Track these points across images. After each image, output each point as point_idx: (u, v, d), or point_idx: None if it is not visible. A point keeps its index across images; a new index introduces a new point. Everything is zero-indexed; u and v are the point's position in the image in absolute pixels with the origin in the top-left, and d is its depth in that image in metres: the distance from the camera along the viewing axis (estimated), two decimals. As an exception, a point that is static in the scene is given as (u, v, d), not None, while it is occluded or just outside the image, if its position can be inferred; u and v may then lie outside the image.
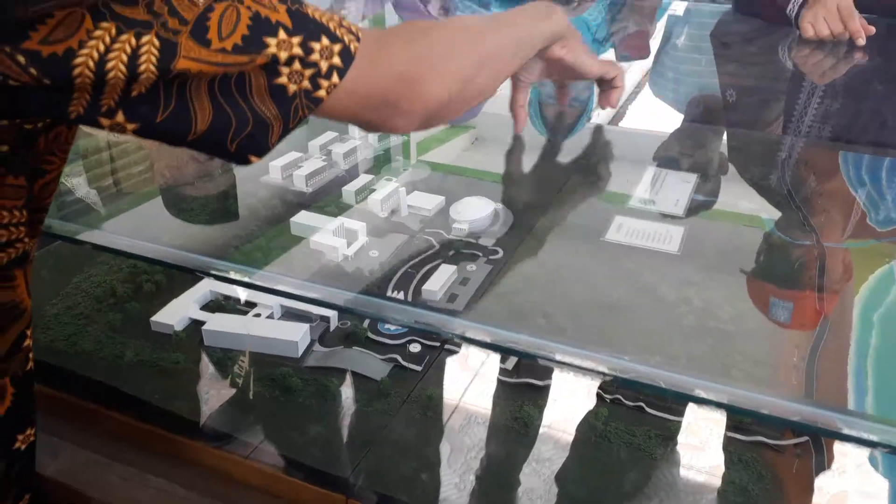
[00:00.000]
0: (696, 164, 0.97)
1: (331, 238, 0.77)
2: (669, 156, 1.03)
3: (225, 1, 0.42)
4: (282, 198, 0.87)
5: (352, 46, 0.47)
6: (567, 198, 0.92)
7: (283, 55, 0.43)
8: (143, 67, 0.39)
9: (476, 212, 0.82)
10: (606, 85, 0.76)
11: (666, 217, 0.82)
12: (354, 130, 1.03)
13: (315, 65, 0.45)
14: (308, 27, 0.45)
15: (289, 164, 0.93)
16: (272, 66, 0.43)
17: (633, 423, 0.78)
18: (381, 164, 0.98)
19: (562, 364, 0.56)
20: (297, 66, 0.44)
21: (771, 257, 0.78)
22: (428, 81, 0.51)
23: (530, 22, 0.65)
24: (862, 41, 1.29)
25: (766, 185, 0.94)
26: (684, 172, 0.93)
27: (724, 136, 1.17)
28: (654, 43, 1.60)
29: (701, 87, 1.45)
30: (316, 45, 0.45)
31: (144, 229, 0.82)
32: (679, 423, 0.78)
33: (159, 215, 0.87)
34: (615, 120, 1.35)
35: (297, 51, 0.44)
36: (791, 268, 0.77)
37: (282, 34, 0.43)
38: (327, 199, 0.87)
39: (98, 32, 0.37)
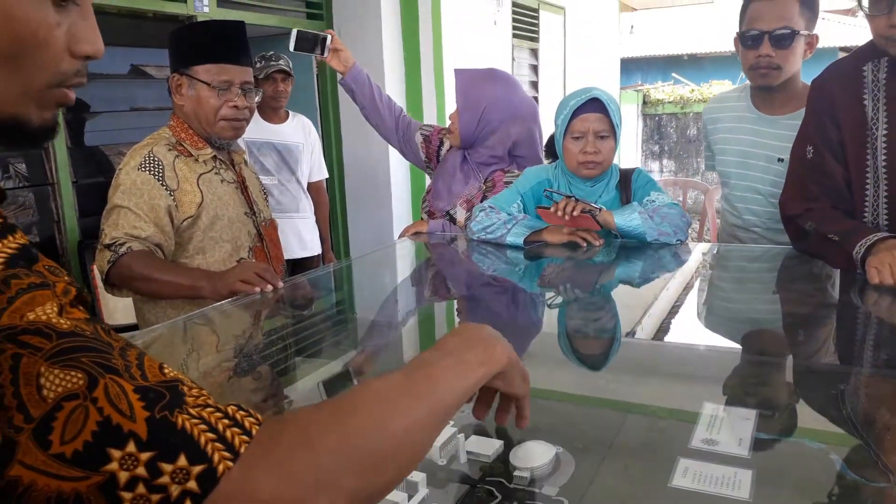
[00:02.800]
0: (755, 399, 0.96)
1: (393, 493, 0.76)
2: (726, 391, 1.02)
3: (76, 399, 0.37)
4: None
5: (220, 467, 0.39)
6: (627, 436, 0.91)
7: (124, 476, 0.36)
8: None
9: (537, 458, 0.81)
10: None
11: (732, 459, 0.80)
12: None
13: (164, 489, 0.37)
14: (167, 441, 0.38)
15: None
16: (110, 488, 0.37)
17: None
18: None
19: None
20: (140, 489, 0.37)
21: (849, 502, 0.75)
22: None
23: (456, 379, 0.56)
24: None
25: (830, 420, 0.92)
26: (743, 409, 0.93)
27: (782, 369, 1.17)
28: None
29: (754, 321, 1.48)
30: (167, 467, 0.37)
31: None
32: None
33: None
34: (659, 334, 1.37)
35: (142, 471, 0.37)
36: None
37: (130, 446, 0.37)
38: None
39: None
